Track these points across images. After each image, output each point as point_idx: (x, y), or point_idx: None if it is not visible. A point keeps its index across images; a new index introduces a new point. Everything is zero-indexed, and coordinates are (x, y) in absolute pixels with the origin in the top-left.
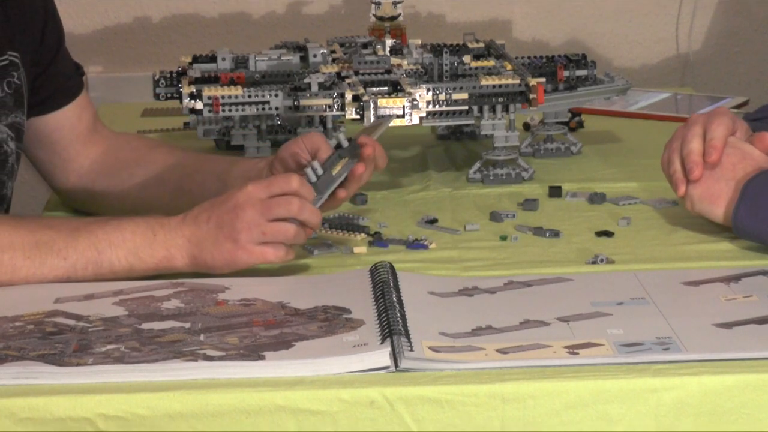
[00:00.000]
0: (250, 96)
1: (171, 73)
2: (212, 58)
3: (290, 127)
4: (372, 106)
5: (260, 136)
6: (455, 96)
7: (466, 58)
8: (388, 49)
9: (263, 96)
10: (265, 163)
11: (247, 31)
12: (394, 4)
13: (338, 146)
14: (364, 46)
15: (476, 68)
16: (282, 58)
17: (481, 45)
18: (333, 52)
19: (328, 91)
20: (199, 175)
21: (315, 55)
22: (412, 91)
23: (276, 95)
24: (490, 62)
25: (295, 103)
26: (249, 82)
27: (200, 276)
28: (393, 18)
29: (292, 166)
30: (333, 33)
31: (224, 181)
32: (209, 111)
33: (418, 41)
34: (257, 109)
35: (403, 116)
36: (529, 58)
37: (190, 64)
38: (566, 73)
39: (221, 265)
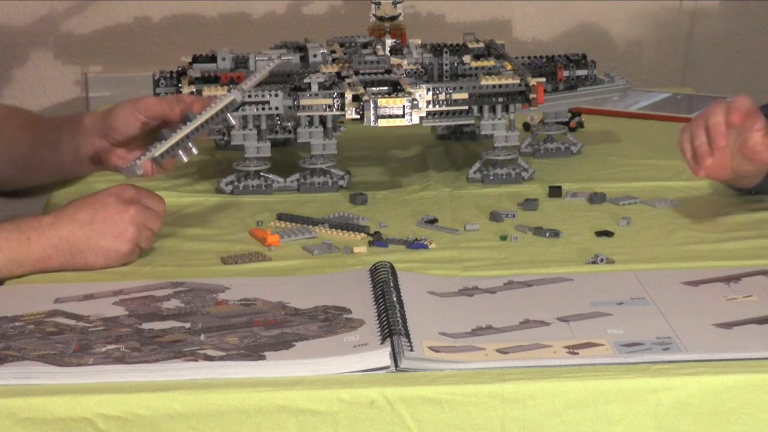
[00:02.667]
0: (250, 96)
1: (171, 73)
2: (212, 58)
3: (290, 127)
4: (372, 106)
5: (260, 136)
6: (455, 96)
7: (466, 58)
8: (388, 49)
9: (263, 96)
10: (94, 127)
11: (247, 31)
12: (394, 4)
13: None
14: (364, 46)
15: (476, 68)
16: (282, 58)
17: (481, 45)
18: (333, 52)
19: (328, 91)
20: (40, 149)
21: (315, 55)
22: (412, 91)
23: (276, 95)
24: (490, 62)
25: (295, 103)
26: None
27: (200, 276)
28: (393, 18)
29: (129, 132)
30: (333, 33)
31: (59, 151)
32: None
33: (418, 41)
34: (257, 109)
35: (403, 116)
36: (529, 58)
37: (190, 64)
38: (566, 73)
39: (102, 262)
